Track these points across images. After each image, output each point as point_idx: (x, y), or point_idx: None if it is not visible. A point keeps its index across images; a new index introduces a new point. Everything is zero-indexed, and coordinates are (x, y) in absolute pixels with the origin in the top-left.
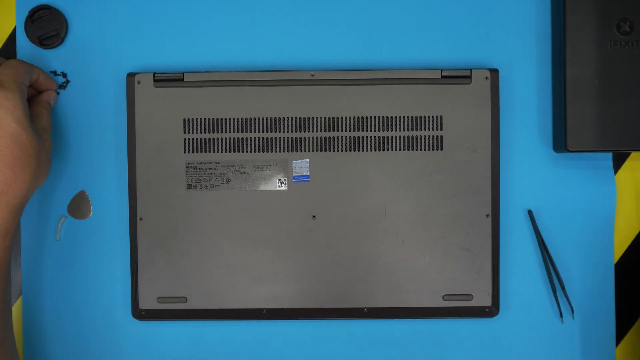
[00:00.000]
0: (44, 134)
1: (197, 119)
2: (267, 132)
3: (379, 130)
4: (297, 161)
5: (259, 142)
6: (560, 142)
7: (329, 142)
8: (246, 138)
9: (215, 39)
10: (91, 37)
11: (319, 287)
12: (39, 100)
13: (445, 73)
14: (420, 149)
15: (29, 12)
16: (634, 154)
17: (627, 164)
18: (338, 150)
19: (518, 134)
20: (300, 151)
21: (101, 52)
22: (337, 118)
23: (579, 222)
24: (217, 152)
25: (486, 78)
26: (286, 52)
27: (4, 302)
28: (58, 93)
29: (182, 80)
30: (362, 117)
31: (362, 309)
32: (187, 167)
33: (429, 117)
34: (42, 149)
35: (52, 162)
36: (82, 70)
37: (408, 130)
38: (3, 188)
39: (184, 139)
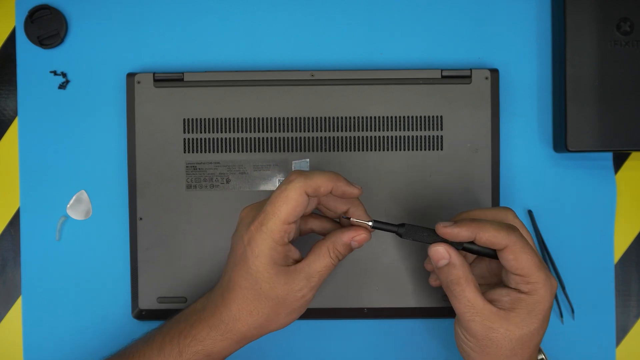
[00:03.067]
0: (304, 284)
1: (197, 119)
2: (267, 132)
3: (379, 130)
4: (297, 161)
5: (259, 142)
6: (561, 142)
7: (329, 142)
8: (246, 138)
9: (215, 39)
10: (91, 37)
11: (320, 287)
12: (334, 240)
13: (445, 73)
14: (420, 149)
15: (29, 12)
16: (634, 154)
17: (627, 164)
18: (338, 150)
19: (518, 134)
20: (300, 151)
21: (101, 52)
22: (337, 118)
23: (579, 222)
24: (217, 152)
25: (486, 78)
26: (286, 52)
27: None
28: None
29: (182, 80)
30: (362, 117)
31: (362, 309)
32: (187, 167)
33: (429, 117)
34: (288, 300)
35: (53, 162)
36: (82, 70)
37: (408, 130)
38: (229, 318)
39: (184, 139)
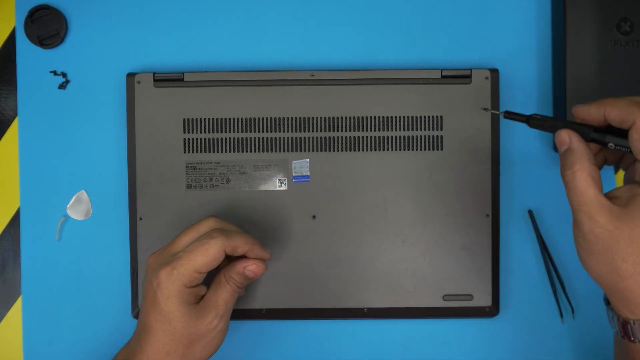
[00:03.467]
0: (213, 315)
1: (197, 119)
2: (267, 132)
3: (379, 130)
4: (297, 161)
5: (259, 142)
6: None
7: (329, 142)
8: (246, 138)
9: (215, 39)
10: (91, 37)
11: (319, 287)
12: (229, 269)
13: (445, 73)
14: (420, 149)
15: (29, 12)
16: None
17: None
18: (338, 150)
19: (518, 134)
20: (300, 151)
21: (101, 52)
22: (337, 118)
23: None
24: (217, 152)
25: (486, 78)
26: (286, 52)
27: None
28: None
29: (182, 80)
30: (362, 117)
31: (362, 309)
32: (187, 167)
33: (429, 117)
34: (202, 335)
35: (52, 162)
36: (82, 70)
37: (408, 130)
38: None
39: (184, 139)
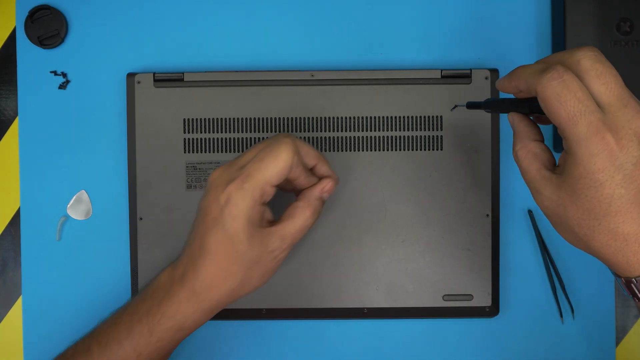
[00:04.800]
0: (278, 245)
1: (197, 119)
2: (267, 132)
3: (379, 130)
4: None
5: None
6: (561, 142)
7: (329, 142)
8: (246, 138)
9: (215, 39)
10: (91, 37)
11: (319, 287)
12: (308, 198)
13: (445, 73)
14: (420, 149)
15: (29, 12)
16: None
17: None
18: (338, 150)
19: None
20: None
21: (101, 52)
22: (337, 118)
23: None
24: (217, 152)
25: (486, 78)
26: (286, 52)
27: None
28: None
29: (182, 80)
30: (362, 117)
31: (362, 309)
32: (187, 167)
33: (429, 117)
34: (261, 261)
35: (52, 162)
36: (82, 70)
37: (408, 130)
38: (202, 287)
39: (184, 139)
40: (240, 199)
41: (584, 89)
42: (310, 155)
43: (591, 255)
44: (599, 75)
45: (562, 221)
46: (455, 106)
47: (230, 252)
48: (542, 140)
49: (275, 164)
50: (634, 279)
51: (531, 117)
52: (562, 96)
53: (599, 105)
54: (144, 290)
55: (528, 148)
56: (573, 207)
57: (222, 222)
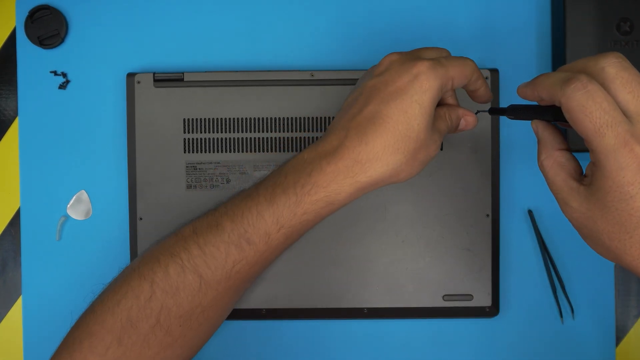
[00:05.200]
0: (436, 137)
1: (197, 119)
2: (267, 132)
3: None
4: None
5: (259, 142)
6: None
7: None
8: (246, 138)
9: (215, 39)
10: (91, 37)
11: (319, 287)
12: (450, 109)
13: None
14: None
15: (29, 12)
16: None
17: None
18: None
19: (518, 134)
20: (300, 151)
21: (101, 52)
22: None
23: None
24: (217, 152)
25: (486, 78)
26: (286, 52)
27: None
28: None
29: (182, 80)
30: None
31: (362, 309)
32: (187, 167)
33: None
34: (426, 147)
35: (52, 162)
36: (82, 70)
37: None
38: (368, 157)
39: (184, 139)
40: (432, 76)
41: (609, 99)
42: (481, 79)
43: (625, 267)
44: (625, 84)
45: (593, 234)
46: (478, 112)
47: (407, 126)
48: (568, 149)
49: (462, 68)
50: None
51: (555, 123)
52: (587, 108)
53: (625, 114)
54: (275, 172)
55: (554, 158)
56: (603, 220)
57: (409, 93)
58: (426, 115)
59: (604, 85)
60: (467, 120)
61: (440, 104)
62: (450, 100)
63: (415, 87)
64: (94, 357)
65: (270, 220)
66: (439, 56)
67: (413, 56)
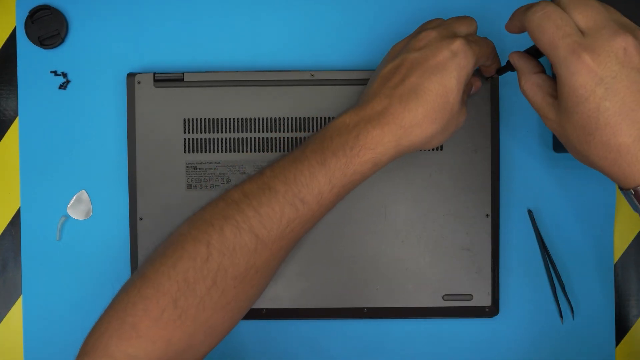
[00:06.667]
0: (465, 109)
1: (197, 119)
2: (267, 132)
3: None
4: None
5: (259, 142)
6: (561, 143)
7: None
8: (246, 138)
9: (215, 39)
10: (91, 37)
11: (319, 287)
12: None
13: None
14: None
15: (29, 12)
16: None
17: None
18: None
19: (518, 134)
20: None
21: (101, 52)
22: None
23: (579, 222)
24: (217, 152)
25: (486, 78)
26: (286, 52)
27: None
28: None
29: (182, 80)
30: None
31: (362, 309)
32: (187, 167)
33: None
34: (456, 118)
35: (53, 162)
36: (82, 70)
37: None
38: (411, 123)
39: (184, 139)
40: (470, 54)
41: (564, 17)
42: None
43: (603, 173)
44: (577, 5)
45: (568, 141)
46: (487, 78)
47: (445, 98)
48: (543, 72)
49: (489, 47)
50: (632, 190)
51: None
52: (543, 25)
53: (581, 32)
54: (317, 137)
55: (532, 80)
56: (570, 126)
57: (449, 69)
58: (460, 89)
59: (562, 8)
60: (476, 85)
61: None
62: (491, 68)
63: (455, 63)
64: (149, 320)
65: (324, 180)
66: (468, 32)
67: (448, 32)
